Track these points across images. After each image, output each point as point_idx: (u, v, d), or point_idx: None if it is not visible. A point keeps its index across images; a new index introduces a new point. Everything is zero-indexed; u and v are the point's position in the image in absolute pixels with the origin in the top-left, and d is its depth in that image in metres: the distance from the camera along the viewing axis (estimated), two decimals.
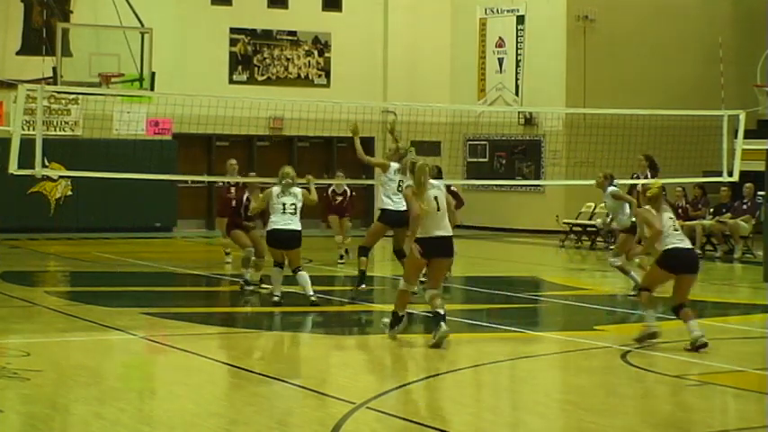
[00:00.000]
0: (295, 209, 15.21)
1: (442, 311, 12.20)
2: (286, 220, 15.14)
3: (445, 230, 12.35)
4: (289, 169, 15.42)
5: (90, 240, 25.69)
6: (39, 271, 20.48)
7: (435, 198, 12.35)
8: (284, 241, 15.17)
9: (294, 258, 15.27)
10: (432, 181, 12.56)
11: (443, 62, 31.85)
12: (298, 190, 15.34)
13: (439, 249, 12.35)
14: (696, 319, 12.29)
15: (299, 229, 15.20)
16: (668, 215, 12.54)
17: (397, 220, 15.85)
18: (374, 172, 30.49)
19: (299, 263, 15.31)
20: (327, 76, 31.28)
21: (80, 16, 27.88)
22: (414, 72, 31.48)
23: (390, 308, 14.34)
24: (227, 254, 20.29)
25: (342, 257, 20.93)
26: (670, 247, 12.26)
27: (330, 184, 21.68)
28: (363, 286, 16.77)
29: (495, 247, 26.60)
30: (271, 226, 15.19)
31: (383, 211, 16.38)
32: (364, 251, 16.74)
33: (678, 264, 12.30)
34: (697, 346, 12.04)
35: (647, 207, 12.59)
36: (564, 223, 26.86)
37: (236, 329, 13.76)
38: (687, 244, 12.47)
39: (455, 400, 9.99)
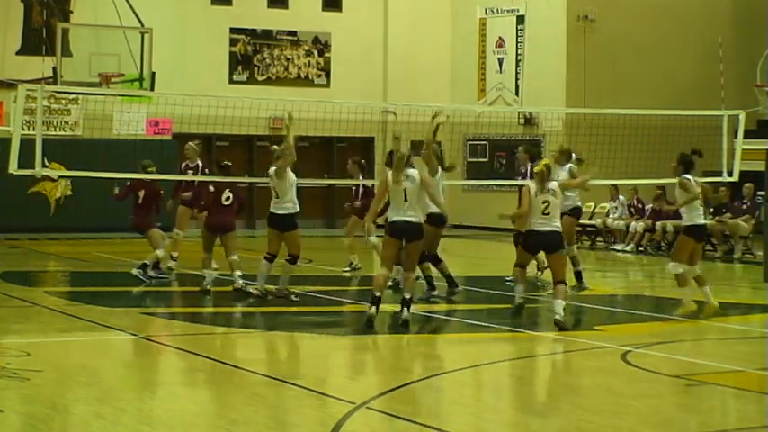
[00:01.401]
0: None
1: (408, 296, 13.55)
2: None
3: (411, 217, 13.56)
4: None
5: (90, 240, 25.69)
6: (39, 271, 20.48)
7: (404, 190, 13.58)
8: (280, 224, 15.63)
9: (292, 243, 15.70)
10: (408, 172, 13.65)
11: (443, 62, 31.84)
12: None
13: (400, 232, 13.62)
14: (563, 301, 13.55)
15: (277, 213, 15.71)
16: (544, 198, 13.66)
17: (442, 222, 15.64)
18: (374, 172, 30.56)
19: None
20: (327, 76, 31.28)
21: (80, 16, 27.88)
22: (414, 72, 31.47)
23: (393, 308, 14.38)
24: (174, 258, 18.93)
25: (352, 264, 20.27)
26: (530, 228, 13.79)
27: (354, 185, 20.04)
28: (436, 292, 16.23)
29: (494, 247, 26.58)
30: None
31: (431, 215, 15.27)
32: (428, 257, 16.24)
33: (531, 243, 13.92)
34: (556, 323, 13.38)
35: (531, 184, 13.85)
36: None
37: (235, 329, 13.76)
38: (548, 228, 13.67)
39: (455, 400, 9.99)
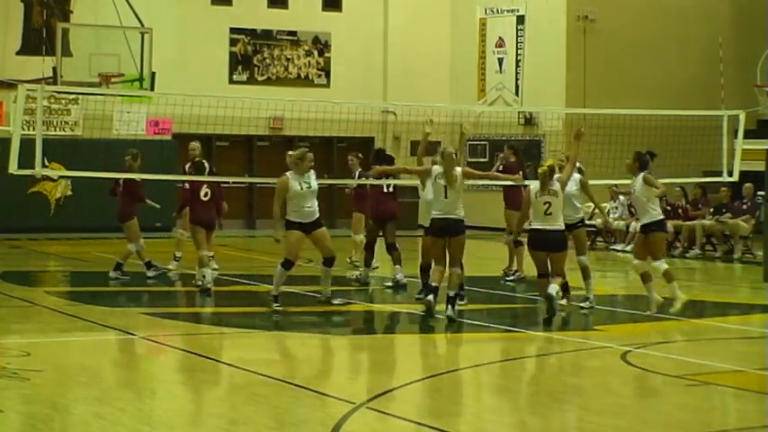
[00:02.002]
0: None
1: (452, 293, 13.86)
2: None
3: (447, 214, 13.85)
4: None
5: (90, 240, 25.69)
6: (39, 271, 20.47)
7: (445, 188, 13.86)
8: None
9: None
10: (455, 171, 13.88)
11: (443, 62, 31.84)
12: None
13: (440, 230, 13.93)
14: (558, 286, 13.89)
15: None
16: (546, 199, 13.83)
17: None
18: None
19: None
20: (327, 76, 31.28)
21: (80, 16, 27.88)
22: (414, 72, 31.47)
23: (391, 307, 14.40)
24: (177, 258, 19.11)
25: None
26: (531, 227, 14.00)
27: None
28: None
29: (494, 247, 26.58)
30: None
31: None
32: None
33: (534, 241, 13.97)
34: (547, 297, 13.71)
35: (534, 185, 14.03)
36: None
37: (235, 329, 13.76)
38: (549, 226, 13.85)
39: (455, 400, 9.99)
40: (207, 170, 17.32)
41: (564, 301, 14.73)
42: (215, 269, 17.04)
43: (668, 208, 25.02)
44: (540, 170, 14.06)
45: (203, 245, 16.67)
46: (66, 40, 23.70)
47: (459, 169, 14.02)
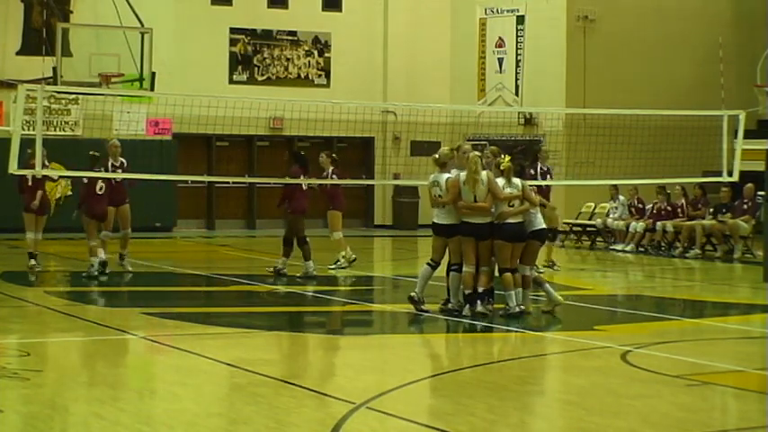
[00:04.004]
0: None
1: (481, 289, 14.05)
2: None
3: (479, 219, 14.02)
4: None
5: None
6: (39, 271, 20.46)
7: (474, 193, 13.97)
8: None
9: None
10: (480, 175, 14.01)
11: (443, 62, 31.84)
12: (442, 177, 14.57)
13: (470, 234, 14.09)
14: (520, 288, 14.21)
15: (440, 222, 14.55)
16: (508, 191, 14.17)
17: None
18: (374, 172, 30.53)
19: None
20: (327, 76, 31.28)
21: (80, 16, 27.88)
22: (414, 72, 31.46)
23: (389, 307, 14.37)
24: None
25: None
26: (497, 221, 14.12)
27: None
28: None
29: None
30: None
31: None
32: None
33: (506, 235, 14.10)
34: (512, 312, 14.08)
35: (499, 179, 14.21)
36: (564, 223, 26.81)
37: (236, 329, 13.76)
38: (514, 219, 14.16)
39: (455, 400, 9.98)
40: (99, 164, 18.13)
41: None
42: (103, 259, 18.01)
43: (669, 208, 25.04)
44: (503, 166, 14.24)
45: (94, 235, 17.90)
46: (66, 40, 23.67)
47: (484, 174, 14.02)
